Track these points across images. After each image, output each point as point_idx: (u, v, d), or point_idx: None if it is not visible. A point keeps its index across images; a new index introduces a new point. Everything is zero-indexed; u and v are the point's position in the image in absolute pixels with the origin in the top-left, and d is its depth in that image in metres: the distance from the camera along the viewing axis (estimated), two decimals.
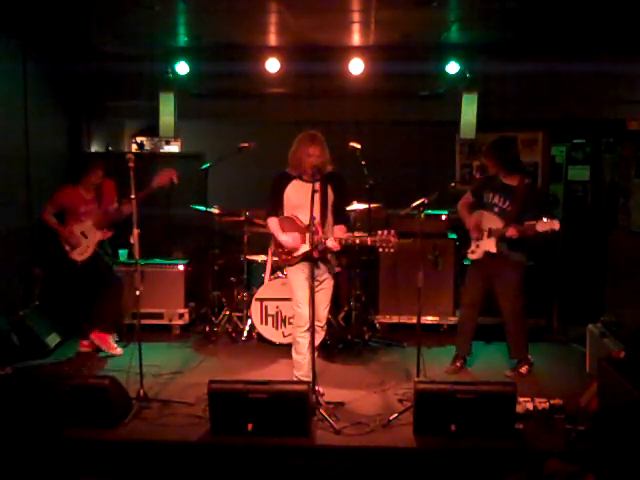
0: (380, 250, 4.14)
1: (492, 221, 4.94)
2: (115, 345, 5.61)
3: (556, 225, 4.58)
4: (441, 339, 5.91)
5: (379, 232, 4.14)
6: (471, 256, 5.10)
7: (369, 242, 4.20)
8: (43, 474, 3.70)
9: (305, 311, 4.38)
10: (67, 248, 5.48)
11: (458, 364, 5.20)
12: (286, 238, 4.46)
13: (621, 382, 3.52)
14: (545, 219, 4.61)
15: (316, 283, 4.36)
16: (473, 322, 5.20)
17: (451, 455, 3.74)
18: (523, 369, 5.09)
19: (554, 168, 8.66)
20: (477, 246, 5.04)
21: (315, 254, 4.31)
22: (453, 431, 3.79)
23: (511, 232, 4.75)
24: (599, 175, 8.92)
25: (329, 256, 4.52)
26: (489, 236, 4.94)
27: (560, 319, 6.23)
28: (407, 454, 3.80)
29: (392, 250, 4.12)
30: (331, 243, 4.32)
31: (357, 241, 4.31)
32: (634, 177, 7.29)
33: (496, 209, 4.96)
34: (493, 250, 4.91)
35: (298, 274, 4.48)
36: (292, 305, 4.57)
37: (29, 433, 3.90)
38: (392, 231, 4.12)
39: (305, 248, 4.39)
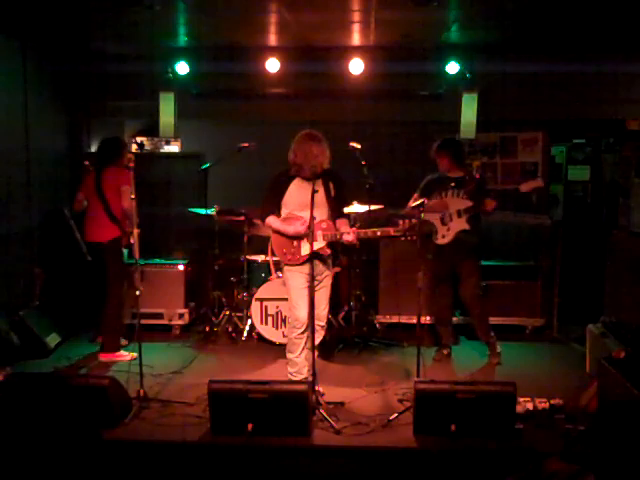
0: (403, 239, 4.29)
1: (458, 203, 5.05)
2: (124, 353, 5.43)
3: (540, 183, 4.84)
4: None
5: (400, 222, 4.23)
6: (442, 241, 5.15)
7: (392, 232, 4.27)
8: (41, 475, 3.70)
9: (301, 313, 4.37)
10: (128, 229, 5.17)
11: (445, 352, 5.37)
12: (293, 228, 4.38)
13: (621, 382, 3.52)
14: (526, 179, 4.93)
15: (315, 282, 4.35)
16: (448, 311, 5.38)
17: (451, 455, 3.73)
18: (498, 348, 5.31)
19: (554, 168, 8.66)
20: (448, 229, 5.11)
21: (326, 251, 4.35)
22: (453, 431, 3.78)
23: (490, 204, 4.92)
24: (599, 175, 8.92)
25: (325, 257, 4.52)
26: (459, 216, 5.03)
27: (560, 319, 6.22)
28: (407, 454, 3.80)
29: (415, 237, 4.22)
30: (350, 237, 4.33)
31: (378, 233, 4.34)
32: (634, 177, 7.27)
33: None
34: (467, 227, 5.02)
35: (297, 275, 4.46)
36: (288, 307, 4.55)
37: (28, 433, 3.89)
38: (412, 220, 4.21)
39: (308, 249, 4.34)
